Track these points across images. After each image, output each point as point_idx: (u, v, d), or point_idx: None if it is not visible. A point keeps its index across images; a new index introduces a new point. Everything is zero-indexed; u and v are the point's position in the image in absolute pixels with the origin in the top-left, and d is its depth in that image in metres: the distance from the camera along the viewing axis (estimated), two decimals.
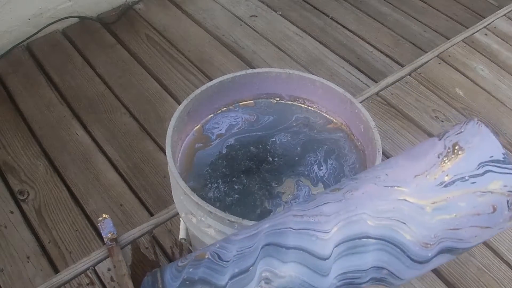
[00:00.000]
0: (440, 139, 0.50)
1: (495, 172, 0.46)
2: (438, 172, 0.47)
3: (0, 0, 1.43)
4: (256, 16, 1.69)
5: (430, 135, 1.19)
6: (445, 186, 0.46)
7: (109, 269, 0.92)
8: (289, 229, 0.48)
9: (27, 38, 1.53)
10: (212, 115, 0.80)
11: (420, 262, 0.47)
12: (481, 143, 0.47)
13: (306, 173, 0.72)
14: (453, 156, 0.47)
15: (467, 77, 1.35)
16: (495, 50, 1.43)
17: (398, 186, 0.48)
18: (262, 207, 0.68)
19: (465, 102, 1.28)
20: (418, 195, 0.47)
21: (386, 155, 1.14)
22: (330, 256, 0.46)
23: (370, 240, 0.46)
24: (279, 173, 0.72)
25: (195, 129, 0.78)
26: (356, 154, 0.75)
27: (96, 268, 0.93)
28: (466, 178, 0.46)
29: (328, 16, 1.71)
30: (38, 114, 1.33)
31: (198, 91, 0.75)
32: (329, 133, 0.78)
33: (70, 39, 1.56)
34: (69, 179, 1.18)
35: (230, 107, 0.81)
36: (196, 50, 1.54)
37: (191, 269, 0.49)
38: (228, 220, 0.60)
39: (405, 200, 0.47)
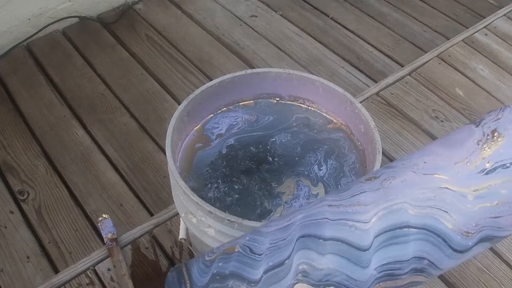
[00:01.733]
0: (477, 126, 0.49)
1: None
2: (478, 159, 0.46)
3: (0, 0, 1.43)
4: (256, 16, 1.69)
5: (430, 135, 1.20)
6: (487, 173, 0.45)
7: (109, 269, 0.92)
8: (326, 219, 0.46)
9: (27, 38, 1.53)
10: (212, 115, 0.80)
11: (460, 252, 0.46)
12: None
13: (306, 173, 0.72)
14: (492, 142, 0.46)
15: (467, 77, 1.35)
16: (495, 50, 1.43)
17: (438, 174, 0.46)
18: (262, 207, 0.68)
19: (465, 102, 1.28)
20: (460, 183, 0.46)
21: (386, 155, 1.14)
22: (370, 247, 0.45)
23: (411, 229, 0.45)
24: (279, 173, 0.72)
25: (195, 129, 0.78)
26: (356, 154, 0.75)
27: (96, 268, 0.93)
28: (508, 165, 0.45)
29: (328, 16, 1.71)
30: (38, 114, 1.33)
31: (198, 91, 0.75)
32: (329, 133, 0.78)
33: (70, 39, 1.56)
34: (69, 179, 1.18)
35: (230, 107, 0.81)
36: (196, 50, 1.54)
37: (220, 264, 0.46)
38: (228, 220, 0.60)
39: (447, 188, 0.46)
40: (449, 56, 1.40)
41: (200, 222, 0.65)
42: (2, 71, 1.44)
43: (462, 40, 1.46)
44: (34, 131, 1.29)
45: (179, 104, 0.74)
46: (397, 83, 1.32)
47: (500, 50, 1.43)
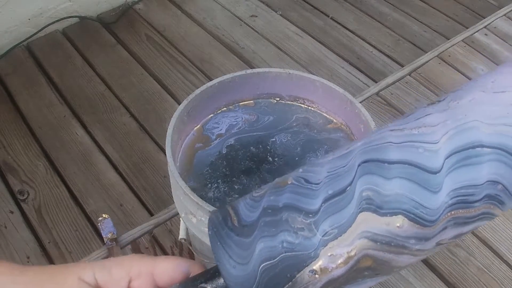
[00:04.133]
0: None
1: None
2: None
3: (0, 0, 1.43)
4: (256, 16, 1.69)
5: None
6: None
7: None
8: (389, 143, 0.41)
9: (27, 38, 1.53)
10: (212, 115, 0.80)
11: None
12: None
13: None
14: None
15: (467, 77, 1.35)
16: (495, 50, 1.43)
17: (509, 91, 0.42)
18: None
19: None
20: None
21: None
22: (441, 169, 0.40)
23: (485, 149, 0.40)
24: (279, 173, 0.72)
25: (195, 129, 0.78)
26: None
27: None
28: None
29: (328, 16, 1.71)
30: (38, 114, 1.33)
31: (198, 91, 0.75)
32: (329, 133, 0.78)
33: (70, 39, 1.56)
34: (69, 179, 1.18)
35: (230, 107, 0.81)
36: (196, 50, 1.54)
37: (272, 197, 0.41)
38: None
39: None
40: (449, 56, 1.40)
41: (200, 222, 0.65)
42: (2, 71, 1.44)
43: (462, 40, 1.46)
44: (34, 131, 1.29)
45: (179, 104, 0.74)
46: (397, 83, 1.32)
47: (500, 50, 1.43)
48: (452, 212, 0.40)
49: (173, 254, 0.96)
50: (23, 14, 1.50)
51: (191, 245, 0.86)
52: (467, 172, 0.40)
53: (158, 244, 0.97)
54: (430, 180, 0.40)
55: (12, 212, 1.11)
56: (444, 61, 1.39)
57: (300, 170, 0.43)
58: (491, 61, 1.39)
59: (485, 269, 0.96)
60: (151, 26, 1.62)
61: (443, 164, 0.40)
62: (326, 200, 0.39)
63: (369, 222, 0.39)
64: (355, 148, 0.43)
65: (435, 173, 0.40)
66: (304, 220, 0.39)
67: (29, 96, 1.37)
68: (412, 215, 0.39)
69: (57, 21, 1.57)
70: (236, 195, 0.69)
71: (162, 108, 1.36)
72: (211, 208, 0.61)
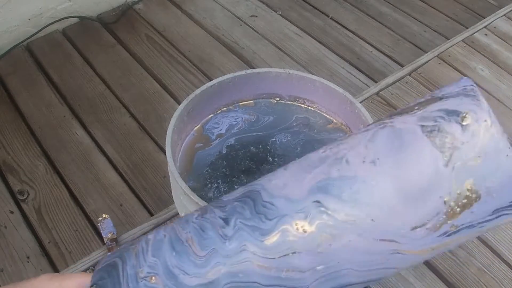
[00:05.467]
0: (445, 166, 0.38)
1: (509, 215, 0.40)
2: (442, 224, 0.39)
3: (0, 0, 1.43)
4: (256, 16, 1.69)
5: None
6: (449, 235, 0.39)
7: None
8: (256, 284, 0.41)
9: (27, 38, 1.53)
10: (212, 115, 0.80)
11: None
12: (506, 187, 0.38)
13: None
14: (465, 201, 0.38)
15: (467, 77, 1.34)
16: (495, 50, 1.43)
17: (391, 241, 0.40)
18: None
19: None
20: (415, 247, 0.40)
21: None
22: None
23: (353, 286, 0.43)
24: None
25: (195, 129, 0.78)
26: None
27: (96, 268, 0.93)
28: (475, 224, 0.39)
29: (328, 16, 1.71)
30: (38, 114, 1.33)
31: (198, 91, 0.75)
32: (329, 133, 0.78)
33: (70, 39, 1.56)
34: (69, 179, 1.18)
35: (230, 107, 0.81)
36: (196, 50, 1.54)
37: None
38: None
39: (398, 253, 0.40)
40: (449, 56, 1.40)
41: None
42: (2, 71, 1.44)
43: (462, 40, 1.45)
44: (34, 131, 1.29)
45: (179, 104, 0.74)
46: (397, 83, 1.32)
47: (500, 50, 1.43)
48: None
49: None
50: (23, 14, 1.50)
51: None
52: None
53: None
54: None
55: (12, 212, 1.11)
56: (444, 61, 1.39)
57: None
58: (491, 61, 1.39)
59: (485, 269, 0.96)
60: (151, 26, 1.62)
61: None
62: None
63: None
64: (220, 279, 0.41)
65: None
66: None
67: (29, 96, 1.37)
68: None
69: (57, 21, 1.57)
70: None
71: (162, 108, 1.36)
72: None
